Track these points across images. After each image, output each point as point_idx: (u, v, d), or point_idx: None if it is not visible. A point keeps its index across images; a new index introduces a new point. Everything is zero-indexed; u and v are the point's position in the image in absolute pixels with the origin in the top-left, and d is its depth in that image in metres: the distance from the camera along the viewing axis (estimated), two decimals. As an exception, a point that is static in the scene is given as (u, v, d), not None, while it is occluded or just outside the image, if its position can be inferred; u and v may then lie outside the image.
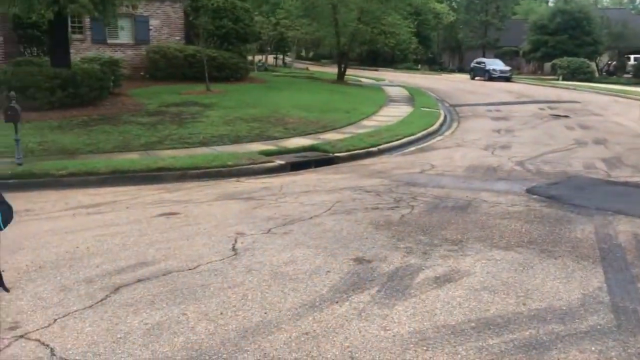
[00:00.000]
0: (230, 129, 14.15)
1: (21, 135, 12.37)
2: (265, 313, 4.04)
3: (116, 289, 4.55)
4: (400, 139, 13.82)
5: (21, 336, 3.70)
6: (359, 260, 5.18)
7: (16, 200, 8.64)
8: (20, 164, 10.13)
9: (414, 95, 24.34)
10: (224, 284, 4.61)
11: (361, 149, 12.71)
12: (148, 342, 3.65)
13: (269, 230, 6.30)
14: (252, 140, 13.22)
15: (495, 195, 8.09)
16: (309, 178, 10.04)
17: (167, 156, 11.48)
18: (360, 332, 3.77)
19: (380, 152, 12.86)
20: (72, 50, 20.13)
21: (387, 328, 3.82)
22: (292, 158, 11.93)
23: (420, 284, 4.60)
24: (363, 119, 16.89)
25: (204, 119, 15.08)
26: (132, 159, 11.26)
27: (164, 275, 4.85)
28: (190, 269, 4.98)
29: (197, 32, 23.22)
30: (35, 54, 19.61)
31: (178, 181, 10.17)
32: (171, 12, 24.25)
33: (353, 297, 4.32)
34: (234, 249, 5.60)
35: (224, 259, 5.28)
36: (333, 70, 34.19)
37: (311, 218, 6.81)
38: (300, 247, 5.60)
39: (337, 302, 4.22)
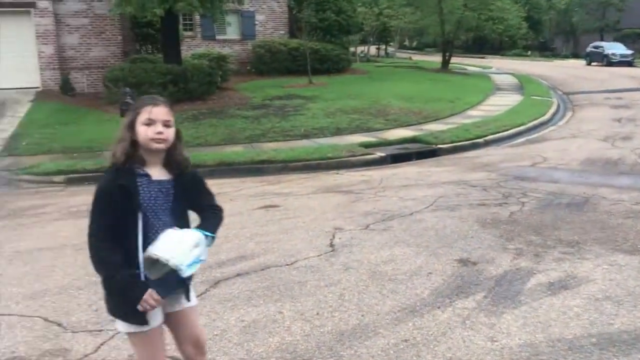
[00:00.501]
0: (331, 121, 14.09)
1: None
2: (363, 316, 3.87)
3: (216, 283, 4.57)
4: (508, 129, 13.10)
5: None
6: (463, 262, 4.87)
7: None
8: (133, 157, 10.62)
9: (523, 83, 23.08)
10: (321, 282, 4.49)
11: (466, 141, 12.18)
12: (243, 340, 3.60)
13: (368, 225, 6.11)
14: (352, 132, 13.08)
15: (616, 191, 7.39)
16: (410, 171, 9.73)
17: (270, 149, 11.62)
18: (464, 342, 3.49)
19: (487, 144, 12.26)
20: (183, 47, 21.02)
21: (495, 339, 3.51)
22: (392, 150, 11.66)
23: (531, 290, 4.22)
24: (468, 108, 16.22)
25: (305, 112, 15.14)
26: (237, 151, 11.50)
27: (262, 270, 4.81)
28: (287, 265, 4.91)
29: (300, 25, 23.42)
30: (150, 52, 20.62)
31: (280, 173, 10.24)
32: (276, 7, 24.60)
33: (457, 302, 4.04)
34: (331, 244, 5.48)
35: (321, 254, 5.17)
36: (437, 59, 33.26)
37: (412, 214, 6.54)
38: (400, 245, 5.37)
39: (439, 308, 3.96)
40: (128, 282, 2.25)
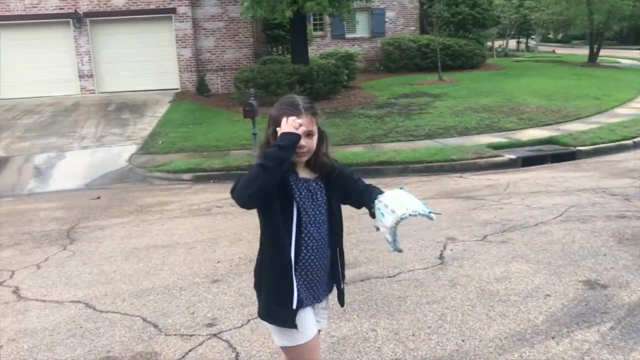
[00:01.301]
0: (459, 120, 13.45)
1: (260, 129, 13.48)
2: (463, 341, 3.49)
3: (313, 292, 4.41)
4: (663, 130, 11.65)
5: (214, 335, 3.74)
6: (590, 284, 4.27)
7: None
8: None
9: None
10: (423, 299, 4.16)
11: (610, 142, 11.02)
12: (330, 358, 3.39)
13: (484, 237, 5.63)
14: (481, 132, 12.38)
15: None
16: (542, 176, 8.94)
17: (390, 149, 11.33)
18: (579, 382, 3.01)
19: (636, 146, 11.00)
20: (313, 47, 21.37)
21: (618, 383, 2.99)
22: (524, 152, 10.85)
23: (672, 325, 3.58)
24: (616, 106, 14.71)
25: (431, 110, 14.61)
26: (356, 152, 11.35)
27: (361, 281, 4.58)
28: (389, 277, 4.63)
29: (432, 20, 22.74)
30: (281, 53, 21.15)
31: (399, 175, 9.94)
32: (407, 3, 24.15)
33: (576, 333, 3.52)
34: (441, 256, 5.10)
35: (428, 267, 4.82)
36: (584, 52, 30.71)
37: (536, 225, 5.94)
38: (518, 261, 4.85)
39: (553, 338, 3.47)
40: (275, 147, 2.10)
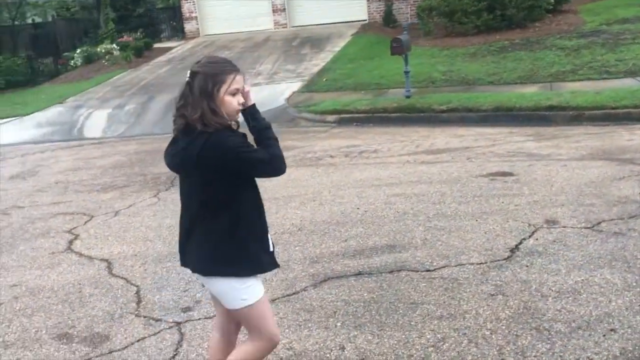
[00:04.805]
0: (679, 52, 10.69)
1: (425, 64, 12.38)
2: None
3: (322, 281, 3.77)
4: None
5: (178, 323, 3.42)
6: (693, 320, 2.93)
7: (382, 136, 8.67)
8: (408, 97, 10.01)
9: None
10: (439, 309, 3.27)
11: None
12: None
13: (598, 223, 4.30)
14: None
15: None
16: None
17: (571, 90, 9.50)
18: None
19: None
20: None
21: None
22: None
23: None
24: None
25: (647, 39, 11.86)
26: (528, 92, 9.77)
27: (390, 272, 3.79)
28: (427, 271, 3.76)
29: None
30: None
31: (569, 124, 8.27)
32: None
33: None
34: (515, 248, 4.00)
35: (485, 262, 3.81)
36: None
37: (690, 212, 4.36)
38: (614, 267, 3.57)
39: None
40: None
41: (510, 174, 5.83)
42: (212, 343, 2.51)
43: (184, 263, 2.41)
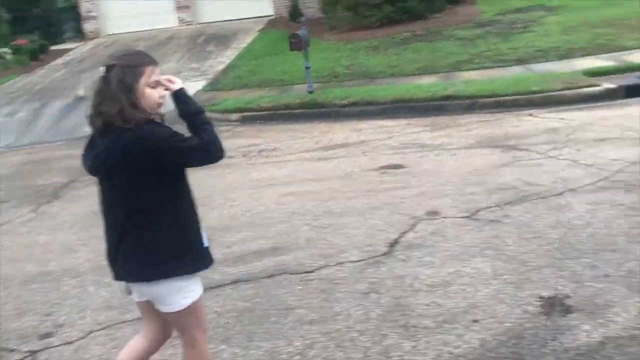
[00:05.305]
0: (566, 39, 11.19)
1: (329, 59, 12.39)
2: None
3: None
4: None
5: (28, 355, 3.18)
6: (551, 304, 3.01)
7: (284, 134, 8.59)
8: (310, 92, 9.95)
9: None
10: (310, 314, 3.20)
11: None
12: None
13: (477, 211, 4.39)
14: (586, 54, 10.14)
15: None
16: (634, 114, 7.03)
17: (466, 79, 9.75)
18: None
19: None
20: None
21: None
22: (632, 79, 8.67)
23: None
24: None
25: (537, 28, 12.37)
26: (426, 83, 9.94)
27: (268, 277, 3.70)
28: (305, 272, 3.70)
29: None
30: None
31: (464, 113, 8.45)
32: None
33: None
34: (395, 242, 4.01)
35: (364, 259, 3.80)
36: None
37: (559, 194, 4.54)
38: (485, 255, 3.64)
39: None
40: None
41: (401, 166, 5.89)
42: (134, 349, 2.37)
43: (117, 277, 2.25)
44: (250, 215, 4.92)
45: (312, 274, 3.65)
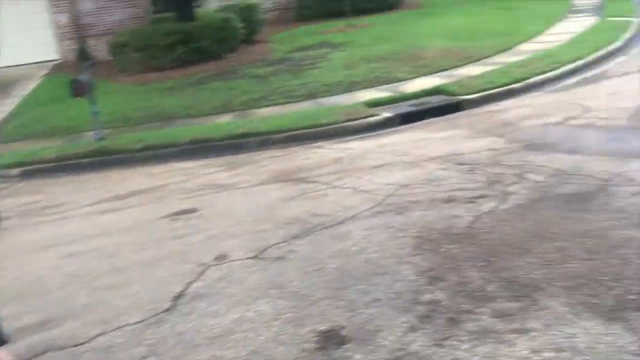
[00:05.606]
0: (348, 73, 12.05)
1: (120, 102, 11.93)
2: None
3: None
4: (558, 67, 10.44)
5: None
6: (327, 337, 3.09)
7: (71, 186, 8.01)
8: (100, 139, 9.41)
9: (606, 1, 19.27)
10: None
11: (500, 87, 9.77)
12: None
13: (265, 249, 4.41)
14: (366, 87, 11.01)
15: (658, 168, 5.10)
16: (405, 140, 7.74)
17: (261, 116, 9.99)
18: None
19: (527, 89, 9.77)
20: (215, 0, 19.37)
21: None
22: (405, 107, 9.58)
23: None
24: (523, 42, 13.44)
25: (324, 64, 13.17)
26: (222, 122, 10.01)
27: (33, 357, 3.31)
28: (76, 345, 3.38)
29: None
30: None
31: (259, 149, 8.59)
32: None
33: None
34: (180, 295, 3.86)
35: (146, 319, 3.58)
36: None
37: (341, 223, 4.75)
38: (269, 295, 3.65)
39: None
40: None
41: (194, 210, 5.76)
42: None
43: None
44: (20, 285, 4.41)
45: (83, 345, 3.34)
